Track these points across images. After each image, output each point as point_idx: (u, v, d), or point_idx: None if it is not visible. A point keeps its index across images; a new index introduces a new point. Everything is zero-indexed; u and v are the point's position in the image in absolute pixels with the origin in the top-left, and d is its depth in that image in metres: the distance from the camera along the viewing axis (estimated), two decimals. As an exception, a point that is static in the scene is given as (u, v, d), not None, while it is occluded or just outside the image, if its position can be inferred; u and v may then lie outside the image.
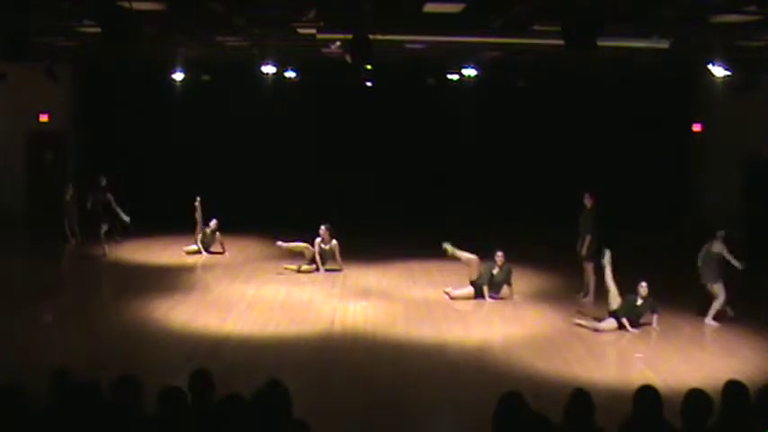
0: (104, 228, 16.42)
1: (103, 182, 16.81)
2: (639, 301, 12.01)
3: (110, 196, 16.66)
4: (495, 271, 13.74)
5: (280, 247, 15.69)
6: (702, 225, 19.94)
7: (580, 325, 12.04)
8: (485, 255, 14.01)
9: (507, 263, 13.76)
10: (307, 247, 15.63)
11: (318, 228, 15.60)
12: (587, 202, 13.67)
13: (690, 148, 21.08)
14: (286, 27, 11.38)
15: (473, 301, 13.52)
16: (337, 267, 15.61)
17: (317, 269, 15.52)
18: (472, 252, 13.89)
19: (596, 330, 11.86)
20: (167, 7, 9.31)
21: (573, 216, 13.96)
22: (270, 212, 19.99)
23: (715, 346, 11.27)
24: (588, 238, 13.52)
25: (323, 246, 15.55)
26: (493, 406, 4.99)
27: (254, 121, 21.20)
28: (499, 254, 13.69)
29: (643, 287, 11.97)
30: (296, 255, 15.75)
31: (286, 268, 15.56)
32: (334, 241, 15.59)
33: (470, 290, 13.65)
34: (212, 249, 17.27)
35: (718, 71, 11.53)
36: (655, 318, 12.08)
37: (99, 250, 16.38)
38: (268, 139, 21.35)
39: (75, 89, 21.40)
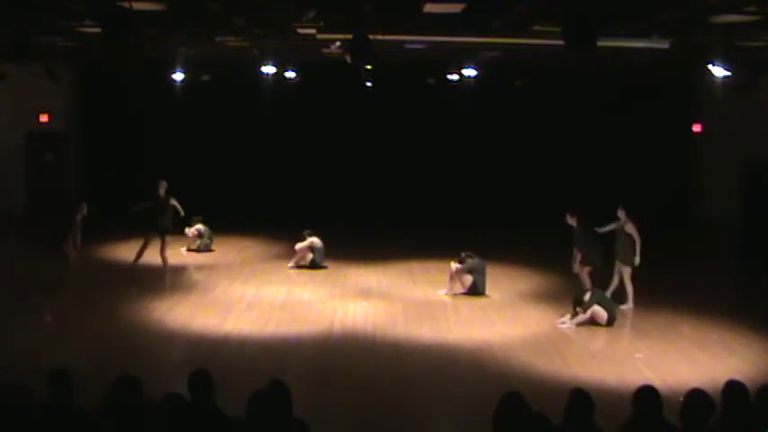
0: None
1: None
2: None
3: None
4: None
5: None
6: (702, 225, 20.03)
7: (564, 323, 12.05)
8: (483, 255, 14.07)
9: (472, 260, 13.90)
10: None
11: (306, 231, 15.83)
12: (571, 221, 13.40)
13: (690, 148, 21.09)
14: (286, 27, 11.38)
15: (473, 302, 13.52)
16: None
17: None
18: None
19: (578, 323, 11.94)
20: (167, 7, 9.31)
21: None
22: (270, 212, 20.01)
23: (715, 346, 11.25)
24: (579, 256, 13.45)
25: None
26: (493, 406, 5.00)
27: (254, 121, 21.22)
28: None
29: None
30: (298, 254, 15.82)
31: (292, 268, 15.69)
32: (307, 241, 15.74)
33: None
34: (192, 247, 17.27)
35: (718, 71, 11.52)
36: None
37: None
38: (268, 139, 21.37)
39: (75, 89, 21.41)
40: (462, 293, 13.76)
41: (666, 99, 20.48)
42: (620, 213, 13.04)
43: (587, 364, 10.39)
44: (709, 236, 19.18)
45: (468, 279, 13.79)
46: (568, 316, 12.11)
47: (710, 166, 20.28)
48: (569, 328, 11.91)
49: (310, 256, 15.73)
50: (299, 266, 15.70)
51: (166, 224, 15.00)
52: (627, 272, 12.93)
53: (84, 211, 14.20)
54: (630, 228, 12.88)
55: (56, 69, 16.97)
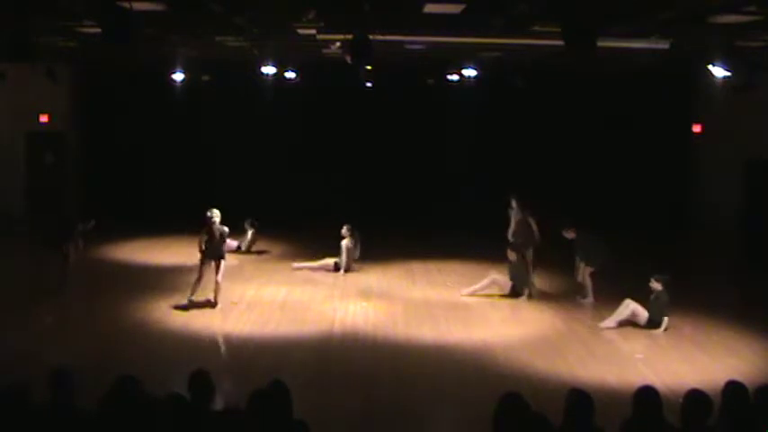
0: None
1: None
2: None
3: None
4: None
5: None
6: (702, 225, 20.01)
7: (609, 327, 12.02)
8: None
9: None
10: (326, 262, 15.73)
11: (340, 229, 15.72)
12: (568, 234, 13.42)
13: (690, 148, 21.08)
14: (286, 27, 11.39)
15: (473, 301, 13.52)
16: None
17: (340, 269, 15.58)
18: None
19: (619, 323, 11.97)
20: (167, 7, 9.32)
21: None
22: (270, 212, 19.99)
23: (715, 346, 11.25)
24: (582, 266, 13.45)
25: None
26: (493, 406, 5.00)
27: (254, 122, 21.21)
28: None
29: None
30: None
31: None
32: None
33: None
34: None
35: (718, 71, 11.52)
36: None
37: None
38: (268, 140, 21.35)
39: (75, 89, 21.40)
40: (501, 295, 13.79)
41: (666, 99, 20.47)
42: (514, 203, 13.88)
43: (587, 364, 10.39)
44: (708, 236, 19.15)
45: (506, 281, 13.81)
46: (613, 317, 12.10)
47: (710, 166, 20.26)
48: (609, 327, 11.91)
49: (333, 260, 15.64)
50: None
51: (216, 249, 12.97)
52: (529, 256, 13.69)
53: (90, 226, 13.77)
54: (526, 215, 13.69)
55: (56, 69, 16.96)
